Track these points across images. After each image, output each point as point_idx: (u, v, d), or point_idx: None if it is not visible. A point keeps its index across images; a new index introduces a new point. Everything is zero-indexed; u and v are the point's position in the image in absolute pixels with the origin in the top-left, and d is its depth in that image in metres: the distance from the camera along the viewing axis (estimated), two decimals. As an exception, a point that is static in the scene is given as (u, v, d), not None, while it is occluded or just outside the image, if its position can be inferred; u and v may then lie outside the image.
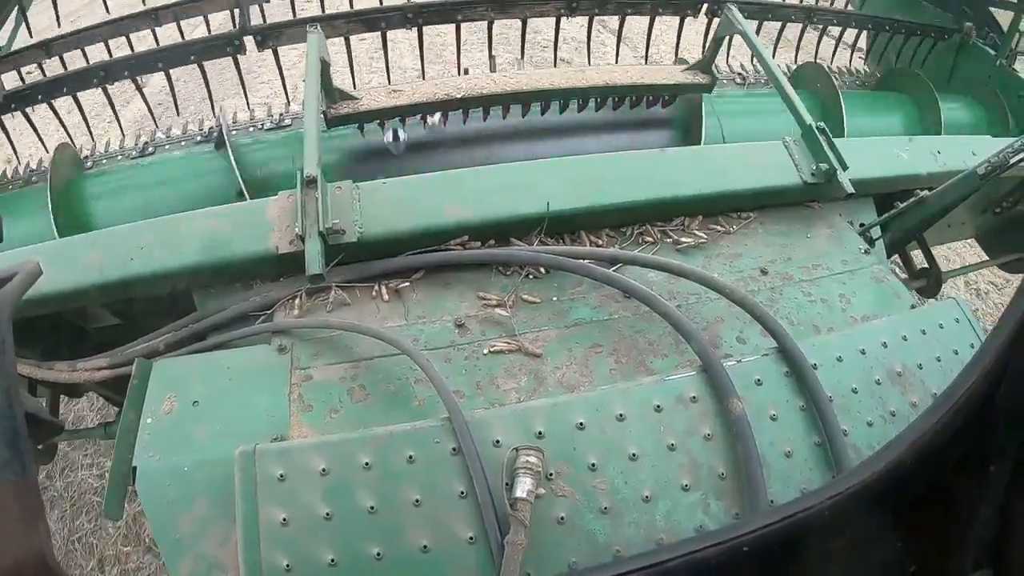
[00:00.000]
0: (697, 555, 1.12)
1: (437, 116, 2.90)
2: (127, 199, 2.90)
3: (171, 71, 3.13)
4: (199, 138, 3.31)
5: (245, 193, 2.70)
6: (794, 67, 3.68)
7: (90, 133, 3.43)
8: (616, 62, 3.82)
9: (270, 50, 3.15)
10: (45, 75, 3.12)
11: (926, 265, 3.00)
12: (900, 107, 3.62)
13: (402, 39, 3.53)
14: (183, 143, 3.28)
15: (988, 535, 1.09)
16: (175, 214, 1.98)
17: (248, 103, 3.52)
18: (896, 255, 2.77)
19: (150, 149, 3.25)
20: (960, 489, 1.12)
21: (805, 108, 2.38)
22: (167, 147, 3.27)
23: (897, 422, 1.63)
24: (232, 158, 2.75)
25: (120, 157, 3.24)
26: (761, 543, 1.10)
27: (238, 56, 3.14)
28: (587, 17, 3.49)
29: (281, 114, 3.38)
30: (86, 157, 3.23)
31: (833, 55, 3.97)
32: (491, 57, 3.51)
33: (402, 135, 2.88)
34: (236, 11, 3.07)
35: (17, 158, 3.34)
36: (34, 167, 3.25)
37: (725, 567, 1.12)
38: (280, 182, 2.29)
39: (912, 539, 1.15)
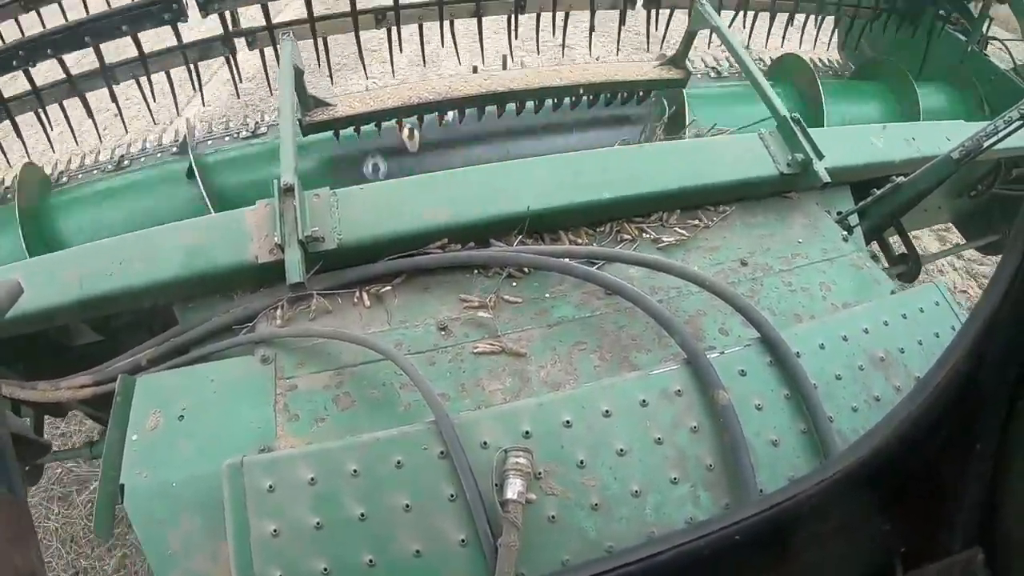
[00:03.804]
0: (688, 546, 1.12)
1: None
2: (98, 217, 2.88)
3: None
4: (173, 151, 3.30)
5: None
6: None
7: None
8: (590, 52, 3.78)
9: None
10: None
11: (905, 251, 3.02)
12: (878, 95, 3.66)
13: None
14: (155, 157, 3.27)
15: (976, 514, 1.10)
16: (154, 227, 1.97)
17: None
18: (875, 241, 2.79)
19: (126, 163, 3.23)
20: (946, 469, 1.13)
21: (780, 100, 2.40)
22: (138, 161, 3.25)
23: (881, 406, 1.65)
24: (201, 185, 2.74)
25: (90, 173, 3.22)
26: (751, 532, 1.11)
27: (178, 24, 2.89)
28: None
29: (256, 123, 3.37)
30: (59, 173, 3.20)
31: (810, 42, 3.98)
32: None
33: (382, 167, 2.87)
34: None
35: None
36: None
37: (717, 557, 1.12)
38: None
39: (900, 521, 1.15)
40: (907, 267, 2.98)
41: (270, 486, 1.41)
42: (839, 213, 2.32)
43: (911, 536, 1.14)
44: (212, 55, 3.05)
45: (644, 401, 1.56)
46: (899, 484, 1.15)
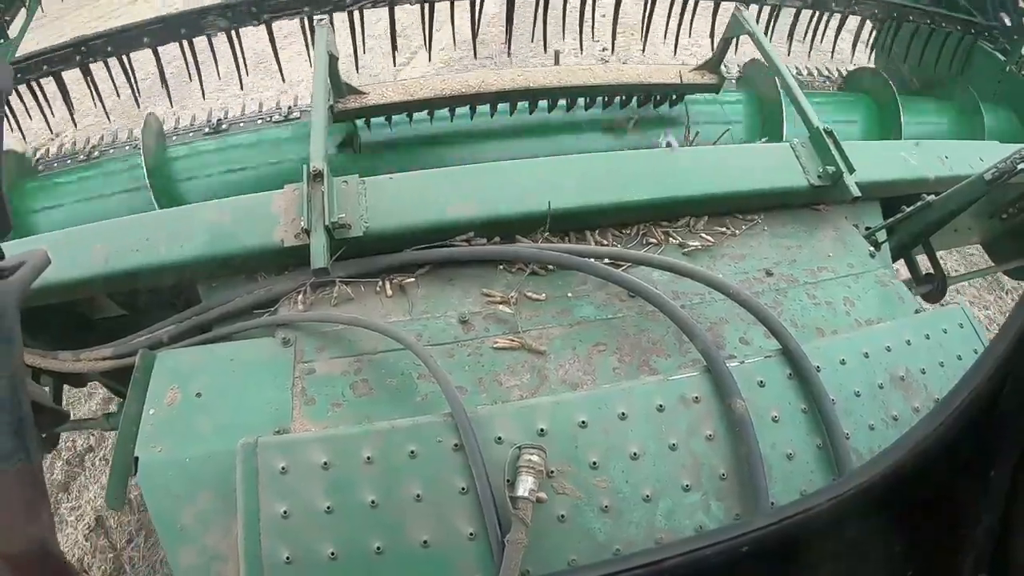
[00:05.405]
0: (696, 554, 1.12)
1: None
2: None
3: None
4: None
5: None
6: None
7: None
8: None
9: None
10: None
11: (931, 270, 2.99)
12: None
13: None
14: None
15: (988, 540, 1.09)
16: (183, 206, 1.98)
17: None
18: (901, 260, 2.76)
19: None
20: (960, 494, 1.12)
21: (813, 110, 2.38)
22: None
23: (899, 426, 1.63)
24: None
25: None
26: (760, 544, 1.10)
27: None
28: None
29: (290, 107, 3.39)
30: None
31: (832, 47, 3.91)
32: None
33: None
34: None
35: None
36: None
37: (724, 567, 1.12)
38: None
39: (911, 543, 1.15)
40: (933, 287, 2.96)
41: (283, 468, 1.42)
42: (867, 228, 2.30)
43: (921, 558, 1.14)
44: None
45: (661, 406, 1.55)
46: (913, 505, 1.14)
